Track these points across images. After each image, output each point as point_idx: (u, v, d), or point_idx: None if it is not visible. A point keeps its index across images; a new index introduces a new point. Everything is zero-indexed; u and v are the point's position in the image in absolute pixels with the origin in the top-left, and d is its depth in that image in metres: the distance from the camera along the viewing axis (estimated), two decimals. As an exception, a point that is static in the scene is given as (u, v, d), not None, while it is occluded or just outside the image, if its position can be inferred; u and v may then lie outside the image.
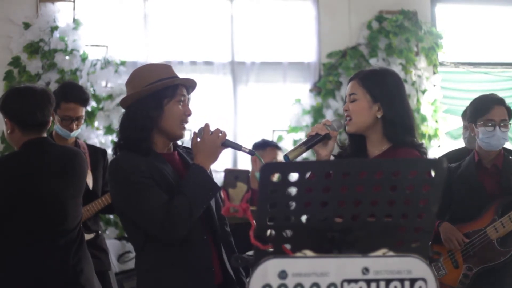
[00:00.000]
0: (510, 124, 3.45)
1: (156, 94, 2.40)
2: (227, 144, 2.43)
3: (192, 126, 2.59)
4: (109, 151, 4.16)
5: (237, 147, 2.47)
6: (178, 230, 2.29)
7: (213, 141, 2.40)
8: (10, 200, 2.80)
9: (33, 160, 2.87)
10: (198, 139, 2.42)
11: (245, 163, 5.43)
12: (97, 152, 3.94)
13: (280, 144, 5.72)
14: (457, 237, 3.40)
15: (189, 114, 2.47)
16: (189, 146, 2.58)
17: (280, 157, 4.97)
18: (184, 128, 2.47)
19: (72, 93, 3.72)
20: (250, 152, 2.45)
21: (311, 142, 2.38)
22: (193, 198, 2.31)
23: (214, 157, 2.42)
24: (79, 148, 3.82)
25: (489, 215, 3.39)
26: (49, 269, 2.80)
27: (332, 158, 2.49)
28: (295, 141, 5.74)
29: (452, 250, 3.45)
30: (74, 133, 3.77)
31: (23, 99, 2.89)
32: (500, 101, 3.43)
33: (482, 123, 3.39)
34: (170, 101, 2.42)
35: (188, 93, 2.52)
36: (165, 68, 2.51)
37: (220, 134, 2.41)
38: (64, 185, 2.90)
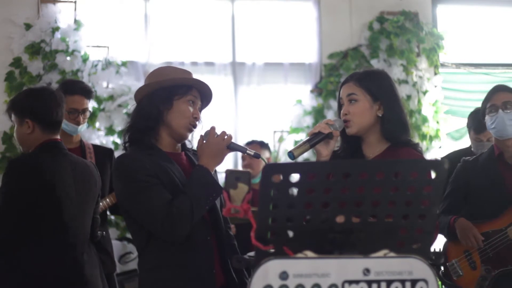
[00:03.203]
0: None
1: (167, 89, 2.43)
2: (232, 146, 2.44)
3: (196, 128, 2.59)
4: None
5: (242, 150, 2.48)
6: (178, 230, 2.29)
7: (219, 143, 2.40)
8: (32, 198, 2.81)
9: (57, 161, 2.91)
10: (204, 141, 2.43)
11: (245, 164, 5.43)
12: (103, 152, 3.95)
13: (282, 145, 5.74)
14: (475, 234, 3.18)
15: (197, 118, 2.47)
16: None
17: (264, 153, 5.10)
18: (190, 130, 2.48)
19: (76, 86, 3.82)
20: (255, 155, 2.45)
21: (315, 140, 2.37)
22: (196, 198, 2.31)
23: (219, 159, 2.43)
24: (84, 148, 3.84)
25: (510, 215, 3.16)
26: (59, 270, 2.82)
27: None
28: (296, 142, 5.74)
29: (469, 249, 3.25)
30: (81, 128, 3.78)
31: (44, 98, 2.95)
32: (502, 88, 3.25)
33: (487, 111, 3.24)
34: (180, 99, 2.44)
35: (202, 104, 2.54)
36: (184, 71, 2.55)
37: (226, 137, 2.42)
38: (81, 190, 2.95)
